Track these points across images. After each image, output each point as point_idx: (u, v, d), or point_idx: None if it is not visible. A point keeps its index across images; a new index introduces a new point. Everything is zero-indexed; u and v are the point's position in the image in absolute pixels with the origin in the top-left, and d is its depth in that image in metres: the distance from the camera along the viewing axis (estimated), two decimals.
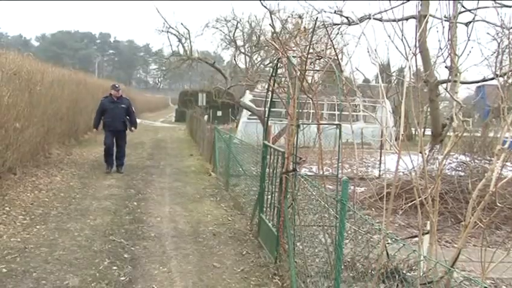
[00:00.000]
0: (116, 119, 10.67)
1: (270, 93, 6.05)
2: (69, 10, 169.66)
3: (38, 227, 6.19)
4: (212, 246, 5.85)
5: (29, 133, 9.55)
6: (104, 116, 10.72)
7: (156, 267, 5.04)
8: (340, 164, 5.30)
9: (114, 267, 4.96)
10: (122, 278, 4.69)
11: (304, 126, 5.22)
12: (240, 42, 23.66)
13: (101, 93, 22.18)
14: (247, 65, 23.50)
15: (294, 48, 5.19)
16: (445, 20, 4.36)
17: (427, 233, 4.04)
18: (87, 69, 53.52)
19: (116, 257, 5.27)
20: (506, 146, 3.37)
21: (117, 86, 11.11)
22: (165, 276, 4.81)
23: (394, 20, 4.92)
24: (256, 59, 23.72)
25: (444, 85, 8.78)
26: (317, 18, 4.79)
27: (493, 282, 5.00)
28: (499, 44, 4.86)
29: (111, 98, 10.80)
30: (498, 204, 3.28)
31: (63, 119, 13.68)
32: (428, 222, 3.81)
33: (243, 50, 23.89)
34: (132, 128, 11.18)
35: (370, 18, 5.33)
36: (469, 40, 3.73)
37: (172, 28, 20.06)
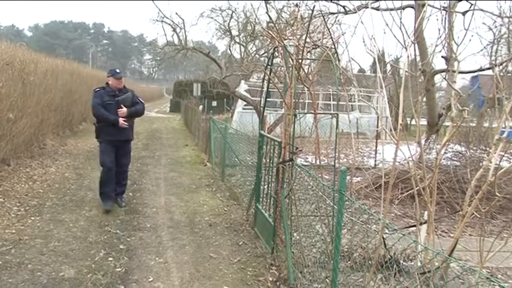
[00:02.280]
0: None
1: (265, 82, 6.00)
2: (63, 0, 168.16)
3: (32, 218, 6.14)
4: (208, 237, 5.83)
5: (23, 124, 9.46)
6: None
7: (152, 258, 5.01)
8: (337, 154, 5.28)
9: (110, 258, 4.93)
10: (118, 269, 4.66)
11: (301, 116, 5.19)
12: (235, 32, 23.54)
13: (96, 83, 22.08)
14: (242, 54, 23.40)
15: (290, 37, 5.14)
16: (443, 9, 4.32)
17: (424, 223, 4.03)
18: (81, 60, 53.13)
19: (112, 248, 5.24)
20: (504, 136, 3.35)
21: (118, 71, 7.05)
22: (161, 267, 4.79)
23: (391, 9, 4.89)
24: (251, 48, 23.63)
25: (440, 75, 8.77)
26: (314, 6, 4.74)
27: (489, 271, 5.02)
28: (494, 34, 4.85)
29: (110, 89, 6.87)
30: (497, 194, 3.26)
31: (58, 110, 13.58)
32: (426, 212, 3.80)
33: (238, 40, 23.78)
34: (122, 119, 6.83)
35: (367, 7, 5.28)
36: (467, 30, 3.69)
37: (167, 18, 19.97)
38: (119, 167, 6.97)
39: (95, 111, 6.80)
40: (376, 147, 12.99)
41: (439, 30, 3.59)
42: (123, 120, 6.77)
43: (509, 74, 3.92)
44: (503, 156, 7.20)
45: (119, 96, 6.86)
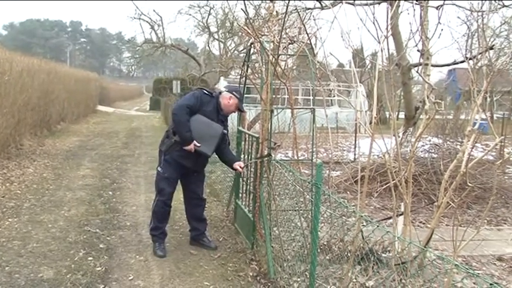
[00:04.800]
0: (207, 140, 4.97)
1: (243, 79, 6.02)
2: None
3: (10, 220, 6.07)
4: (189, 234, 5.82)
5: None
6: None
7: (132, 256, 5.00)
8: (315, 148, 5.33)
9: (90, 258, 4.91)
10: (98, 268, 4.64)
11: (279, 111, 5.23)
12: (213, 29, 23.48)
13: (73, 82, 21.84)
14: (221, 51, 23.35)
15: (267, 33, 5.16)
16: (416, 4, 4.39)
17: (401, 215, 4.10)
18: (59, 59, 52.50)
19: (92, 248, 5.21)
20: (476, 127, 3.43)
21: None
22: (141, 265, 4.78)
23: (366, 4, 4.95)
24: (230, 45, 23.58)
25: (417, 68, 8.88)
26: (288, 2, 4.77)
27: (464, 259, 5.13)
28: (468, 27, 4.94)
29: (218, 106, 5.12)
30: (469, 184, 3.34)
31: (35, 109, 13.39)
32: (402, 203, 3.87)
33: (216, 37, 23.71)
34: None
35: (342, 2, 5.33)
36: (439, 23, 3.76)
37: (145, 15, 19.84)
38: (189, 197, 5.49)
39: (178, 112, 4.87)
40: (355, 141, 13.11)
41: (411, 24, 3.64)
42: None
43: (482, 67, 3.99)
44: (477, 147, 7.34)
45: (222, 119, 5.17)
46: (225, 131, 5.19)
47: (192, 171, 5.22)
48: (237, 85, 6.69)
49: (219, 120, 5.09)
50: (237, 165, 5.19)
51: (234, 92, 5.16)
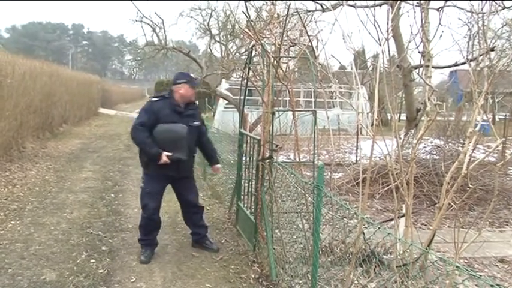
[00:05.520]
0: (176, 145, 4.81)
1: (245, 81, 6.03)
2: (41, 1, 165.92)
3: (12, 222, 6.08)
4: (190, 236, 5.83)
5: (1, 127, 9.36)
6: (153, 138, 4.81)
7: (134, 258, 5.01)
8: (316, 150, 5.34)
9: (92, 260, 4.92)
10: (100, 271, 4.65)
11: (280, 113, 5.24)
12: (215, 31, 23.50)
13: (75, 85, 21.87)
14: (223, 53, 23.38)
15: (268, 36, 5.17)
16: (417, 5, 4.39)
17: (402, 216, 4.10)
18: (61, 61, 52.57)
19: (94, 250, 5.22)
20: (477, 129, 3.43)
21: (194, 76, 5.38)
22: (143, 267, 4.78)
23: (366, 6, 4.96)
24: (231, 47, 23.61)
25: (418, 70, 8.89)
26: (289, 4, 4.78)
27: (466, 261, 5.13)
28: (469, 28, 4.94)
29: (175, 102, 4.91)
30: (470, 185, 3.34)
31: (37, 112, 13.43)
32: (404, 205, 3.87)
33: (218, 39, 23.74)
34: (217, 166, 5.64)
35: (343, 5, 5.35)
36: (440, 25, 3.76)
37: (146, 18, 19.79)
38: (186, 206, 5.37)
39: (133, 134, 4.83)
40: (357, 143, 13.11)
41: (411, 26, 3.65)
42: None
43: (483, 69, 3.99)
44: (479, 148, 7.34)
45: (187, 113, 4.94)
46: (195, 123, 5.03)
47: (178, 178, 5.08)
48: (239, 87, 6.69)
49: (185, 116, 4.91)
50: (216, 168, 5.50)
51: (178, 80, 4.94)
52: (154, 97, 5.05)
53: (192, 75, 5.18)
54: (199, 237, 5.41)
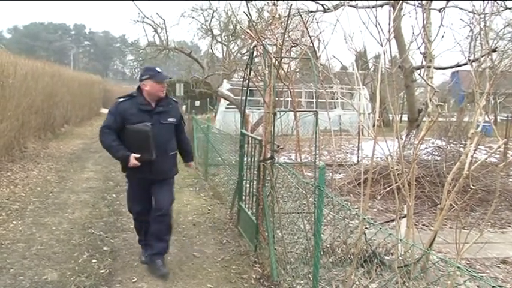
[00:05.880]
0: (162, 147, 4.57)
1: (246, 82, 6.04)
2: (42, 1, 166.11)
3: (14, 222, 6.09)
4: (192, 236, 5.84)
5: (3, 127, 9.37)
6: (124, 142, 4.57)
7: (136, 258, 5.00)
8: (318, 151, 5.34)
9: (94, 260, 4.92)
10: (102, 271, 4.65)
11: (282, 114, 5.24)
12: (216, 32, 23.49)
13: (77, 85, 21.89)
14: (225, 54, 23.38)
15: (270, 36, 5.18)
16: (419, 6, 4.39)
17: (404, 217, 4.10)
18: (62, 62, 52.59)
19: (95, 250, 5.22)
20: (479, 129, 3.43)
21: (159, 70, 4.61)
22: (145, 267, 4.78)
23: (368, 7, 4.95)
24: (233, 48, 23.61)
25: (419, 71, 8.89)
26: (291, 5, 4.78)
27: (468, 262, 5.12)
28: (471, 29, 4.94)
29: (143, 99, 4.55)
30: (472, 186, 3.34)
31: (38, 112, 13.45)
32: (406, 206, 3.87)
33: (219, 39, 23.74)
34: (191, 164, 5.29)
35: (344, 5, 5.35)
36: (442, 26, 3.77)
37: (148, 18, 19.81)
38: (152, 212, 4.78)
39: (100, 138, 4.65)
40: (358, 143, 13.10)
41: (413, 26, 3.65)
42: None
43: (485, 70, 4.00)
44: (481, 149, 7.34)
45: (157, 110, 4.55)
46: (169, 120, 4.61)
47: (157, 180, 4.67)
48: (241, 87, 6.70)
49: (156, 114, 4.53)
50: (189, 165, 5.24)
51: (142, 77, 4.56)
52: (121, 97, 4.68)
53: (157, 68, 4.63)
54: (153, 254, 4.69)
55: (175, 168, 4.83)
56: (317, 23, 6.14)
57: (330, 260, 4.56)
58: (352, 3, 7.31)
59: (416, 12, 3.86)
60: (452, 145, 9.24)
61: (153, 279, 4.50)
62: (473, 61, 4.28)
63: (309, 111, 5.56)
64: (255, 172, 5.31)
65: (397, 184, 3.63)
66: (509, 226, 6.91)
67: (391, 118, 19.35)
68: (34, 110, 12.70)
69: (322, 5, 8.59)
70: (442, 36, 3.66)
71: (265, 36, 5.22)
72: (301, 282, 4.20)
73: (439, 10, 7.41)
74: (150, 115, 4.53)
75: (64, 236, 5.66)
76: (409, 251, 3.65)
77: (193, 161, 5.26)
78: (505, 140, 8.57)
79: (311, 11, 8.63)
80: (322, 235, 3.67)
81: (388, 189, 6.73)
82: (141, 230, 4.93)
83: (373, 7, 5.07)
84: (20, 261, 4.81)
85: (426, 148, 9.04)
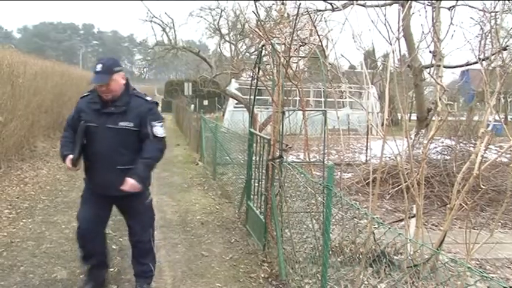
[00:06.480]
0: (106, 158, 3.78)
1: (255, 81, 6.03)
2: (52, 1, 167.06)
3: (24, 220, 6.14)
4: (200, 235, 5.85)
5: (13, 126, 9.43)
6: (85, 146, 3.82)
7: None
8: (326, 150, 5.32)
9: None
10: (111, 269, 4.65)
11: (290, 113, 5.23)
12: (224, 31, 23.54)
13: (86, 84, 21.98)
14: (233, 53, 23.40)
15: (278, 35, 5.17)
16: (428, 5, 4.37)
17: (413, 217, 4.08)
18: (71, 61, 52.97)
19: None
20: (489, 129, 3.40)
21: (99, 68, 3.74)
22: None
23: (377, 6, 4.94)
24: (241, 47, 23.63)
25: (429, 70, 8.84)
26: (300, 4, 4.78)
27: (478, 262, 5.08)
28: (481, 28, 4.90)
29: (96, 96, 3.84)
30: (482, 186, 3.32)
31: (48, 112, 13.52)
32: (415, 206, 3.85)
33: (228, 39, 23.77)
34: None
35: (353, 4, 5.33)
36: (452, 24, 3.74)
37: (156, 17, 19.92)
38: (131, 229, 4.18)
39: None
40: (367, 143, 13.05)
41: (422, 25, 3.63)
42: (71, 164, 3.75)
43: (495, 69, 3.97)
44: (491, 149, 7.28)
45: (107, 111, 3.77)
46: (121, 124, 3.72)
47: (120, 196, 3.81)
48: (249, 87, 6.68)
49: (105, 114, 3.74)
50: (126, 182, 3.67)
51: (93, 79, 3.75)
52: (85, 92, 4.06)
53: (97, 66, 3.77)
54: (134, 275, 4.18)
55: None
56: (326, 22, 6.12)
57: (339, 259, 4.54)
58: (361, 2, 7.27)
59: (426, 11, 3.84)
60: (461, 144, 9.17)
61: (161, 279, 4.51)
62: (483, 60, 4.24)
63: (318, 110, 5.55)
64: (264, 171, 5.30)
65: (406, 184, 3.61)
66: None
67: (399, 117, 19.27)
68: (44, 110, 12.78)
69: (330, 3, 8.57)
70: (452, 35, 3.63)
71: (274, 35, 5.21)
72: (310, 281, 4.19)
73: (449, 8, 7.37)
74: (99, 115, 3.77)
75: (73, 235, 5.64)
76: (418, 251, 3.63)
77: (137, 182, 3.68)
78: None
79: (319, 10, 8.61)
80: (330, 234, 3.65)
81: (397, 188, 6.71)
82: (85, 247, 3.99)
83: (382, 6, 5.06)
84: (29, 259, 4.84)
85: (435, 147, 8.98)
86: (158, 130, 3.81)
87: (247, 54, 22.21)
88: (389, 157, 6.99)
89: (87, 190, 4.03)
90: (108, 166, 3.74)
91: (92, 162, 3.85)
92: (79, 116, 3.84)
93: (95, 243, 3.98)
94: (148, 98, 3.95)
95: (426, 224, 6.33)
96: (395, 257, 4.56)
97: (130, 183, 3.65)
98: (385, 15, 3.59)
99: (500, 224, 6.76)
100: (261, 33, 5.13)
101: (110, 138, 3.73)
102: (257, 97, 6.17)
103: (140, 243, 4.08)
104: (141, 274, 4.11)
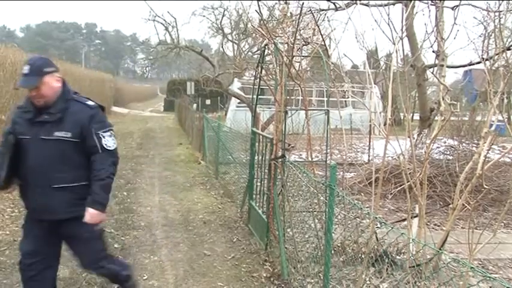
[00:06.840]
0: (39, 175, 3.09)
1: (257, 80, 6.03)
2: (55, 0, 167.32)
3: None
4: (203, 234, 5.85)
5: None
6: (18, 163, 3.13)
7: (146, 256, 5.03)
8: (328, 149, 5.32)
9: None
10: None
11: (293, 112, 5.23)
12: (227, 30, 23.59)
13: (88, 83, 22.05)
14: (235, 52, 23.43)
15: (281, 35, 5.17)
16: (432, 4, 4.36)
17: (415, 217, 4.07)
18: (74, 60, 52.97)
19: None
20: (493, 129, 3.39)
21: (26, 69, 3.05)
22: (155, 265, 4.81)
23: (380, 5, 4.93)
24: (244, 46, 23.65)
25: (432, 69, 8.83)
26: (302, 3, 4.78)
27: (480, 263, 5.07)
28: (485, 27, 4.90)
29: (29, 104, 3.14)
30: (485, 186, 3.31)
31: None
32: (417, 205, 3.84)
33: (230, 38, 23.80)
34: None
35: (356, 3, 5.33)
36: (455, 24, 3.73)
37: (159, 16, 19.95)
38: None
39: None
40: (369, 142, 13.03)
41: (426, 25, 3.63)
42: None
43: (499, 68, 3.96)
44: (494, 149, 7.27)
45: (39, 120, 3.11)
46: (56, 135, 3.09)
47: (55, 223, 3.21)
48: (251, 86, 6.68)
49: (37, 124, 3.09)
50: (86, 214, 3.12)
51: (20, 82, 3.16)
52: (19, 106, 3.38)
53: (24, 68, 3.12)
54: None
55: (76, 209, 3.14)
56: (328, 21, 6.11)
57: (341, 259, 4.54)
58: (364, 1, 7.26)
59: (429, 10, 3.83)
60: (464, 144, 9.16)
61: (163, 277, 4.52)
62: (486, 59, 4.23)
63: (320, 109, 5.54)
64: (266, 170, 5.30)
65: (408, 183, 3.60)
66: None
67: (402, 117, 19.24)
68: None
69: (333, 3, 8.56)
70: (456, 35, 3.62)
71: (277, 35, 5.21)
72: (312, 281, 4.19)
73: (452, 8, 7.36)
74: (29, 126, 3.14)
75: None
76: (421, 250, 3.62)
77: (100, 211, 3.15)
78: None
79: (322, 10, 8.61)
80: (333, 234, 3.65)
81: (399, 188, 6.71)
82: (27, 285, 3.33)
83: (385, 5, 5.05)
84: None
85: (438, 147, 8.97)
86: (108, 142, 3.19)
87: (249, 53, 22.23)
88: (391, 157, 6.99)
89: (27, 216, 3.37)
90: (41, 185, 3.11)
91: (24, 181, 3.18)
92: (14, 129, 3.19)
93: (41, 285, 3.32)
94: (90, 103, 3.25)
95: (429, 224, 6.32)
96: (397, 257, 4.56)
97: (91, 214, 3.11)
98: (388, 15, 3.58)
99: (502, 224, 6.74)
100: (263, 33, 5.13)
101: (45, 152, 3.09)
102: (260, 96, 6.17)
103: (96, 271, 3.55)
104: (115, 282, 3.74)
